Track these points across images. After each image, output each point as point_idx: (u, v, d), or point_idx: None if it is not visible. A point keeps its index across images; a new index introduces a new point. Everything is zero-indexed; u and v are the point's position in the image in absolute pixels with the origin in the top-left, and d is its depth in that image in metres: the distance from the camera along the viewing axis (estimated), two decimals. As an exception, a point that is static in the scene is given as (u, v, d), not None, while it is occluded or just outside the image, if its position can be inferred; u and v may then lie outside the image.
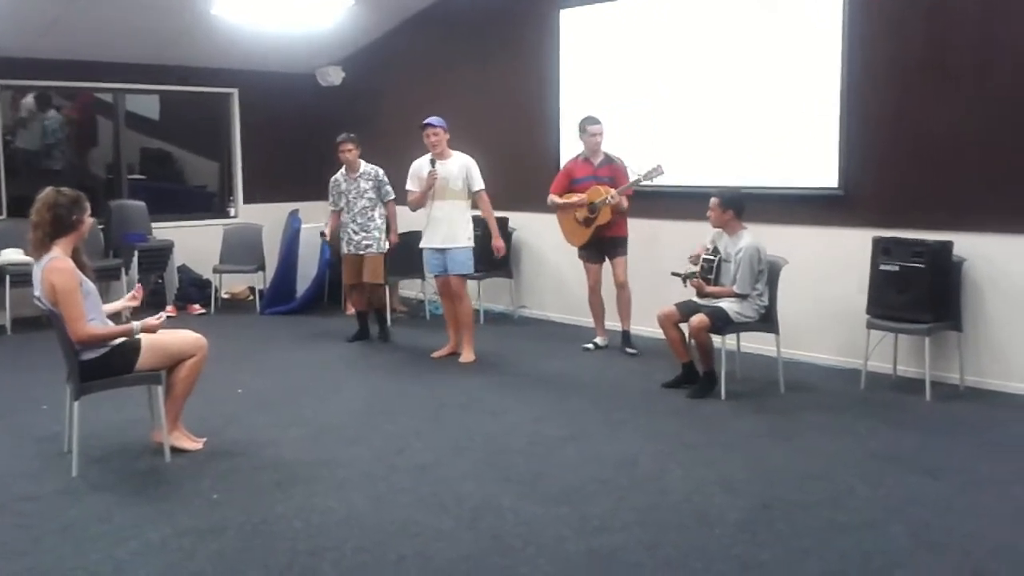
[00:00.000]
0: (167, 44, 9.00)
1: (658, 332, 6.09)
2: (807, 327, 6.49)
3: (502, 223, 8.39)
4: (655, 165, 6.63)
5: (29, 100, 9.63)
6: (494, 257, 7.03)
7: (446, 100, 8.59)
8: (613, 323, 7.18)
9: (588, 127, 6.92)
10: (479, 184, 6.74)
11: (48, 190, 4.46)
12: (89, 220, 4.53)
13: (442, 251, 6.76)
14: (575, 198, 6.91)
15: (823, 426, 5.17)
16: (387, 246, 7.42)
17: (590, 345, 7.16)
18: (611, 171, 6.88)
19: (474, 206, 6.88)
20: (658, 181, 6.73)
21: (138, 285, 5.14)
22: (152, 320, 4.55)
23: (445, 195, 6.72)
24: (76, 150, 10.26)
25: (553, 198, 7.05)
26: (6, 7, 7.59)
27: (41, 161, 9.83)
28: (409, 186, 6.86)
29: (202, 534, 3.76)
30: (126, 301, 4.88)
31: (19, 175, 9.14)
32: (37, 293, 4.41)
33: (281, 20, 8.63)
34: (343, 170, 7.41)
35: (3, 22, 7.85)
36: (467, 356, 6.79)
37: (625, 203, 6.80)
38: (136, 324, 4.52)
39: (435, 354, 6.99)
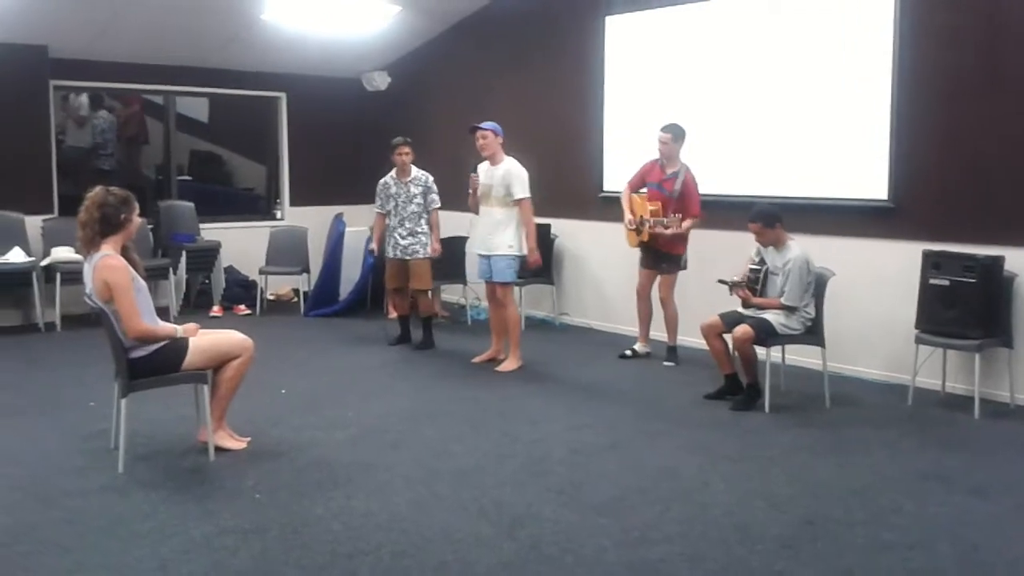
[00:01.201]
0: (218, 48, 9.14)
1: (701, 342, 6.05)
2: (854, 341, 6.40)
3: (544, 229, 8.41)
4: (676, 216, 6.56)
5: (82, 100, 9.83)
6: (529, 266, 6.88)
7: (490, 106, 8.62)
8: (661, 333, 7.14)
9: (658, 133, 6.83)
10: (519, 193, 6.59)
11: (98, 189, 4.53)
12: (137, 220, 4.58)
13: (487, 257, 6.77)
14: (632, 208, 6.85)
15: (869, 442, 5.09)
16: (431, 253, 7.39)
17: (628, 352, 7.12)
18: (674, 187, 6.70)
19: None
20: (703, 191, 6.68)
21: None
22: (192, 325, 4.67)
23: (489, 201, 6.72)
24: (125, 151, 10.45)
25: (624, 190, 6.97)
26: (61, 10, 7.76)
27: (91, 161, 10.03)
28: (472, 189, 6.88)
29: (245, 533, 3.79)
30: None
31: (70, 174, 9.32)
32: (88, 291, 4.48)
33: (329, 25, 8.75)
34: (393, 173, 7.43)
35: (58, 25, 8.02)
36: (510, 364, 6.76)
37: (667, 231, 6.64)
38: (179, 328, 4.61)
39: (476, 359, 7.00)
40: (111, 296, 4.37)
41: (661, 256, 6.85)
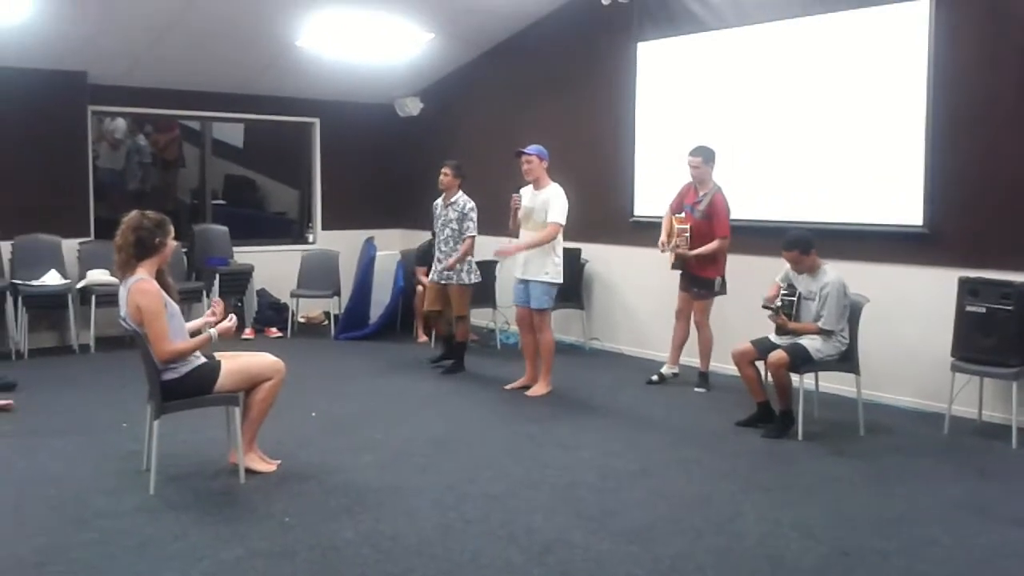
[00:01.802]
0: (253, 75, 9.26)
1: (732, 368, 6.00)
2: (889, 368, 6.32)
3: (574, 254, 8.40)
4: (684, 237, 6.59)
5: (118, 123, 9.98)
6: (539, 281, 6.67)
7: (522, 132, 8.64)
8: (692, 359, 7.10)
9: (688, 157, 6.81)
10: (553, 216, 6.57)
11: (134, 213, 4.58)
12: (172, 243, 4.63)
13: (525, 282, 6.74)
14: (669, 229, 6.79)
15: (904, 471, 5.01)
16: (472, 279, 7.33)
17: (654, 377, 7.07)
18: (707, 209, 6.67)
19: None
20: (736, 216, 6.65)
21: (216, 300, 5.12)
22: (225, 323, 4.66)
23: (529, 225, 6.71)
24: (161, 175, 10.59)
25: (665, 215, 6.93)
26: (100, 38, 7.91)
27: (127, 185, 10.17)
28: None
29: (274, 557, 3.79)
30: (206, 317, 4.89)
31: (106, 198, 9.45)
32: (123, 313, 4.52)
33: (362, 52, 8.83)
34: (443, 195, 7.47)
35: (97, 52, 8.18)
36: (540, 388, 6.74)
37: (680, 251, 6.64)
38: (212, 330, 4.62)
39: (509, 386, 6.96)
40: (143, 320, 4.41)
41: (692, 280, 6.82)
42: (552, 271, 6.62)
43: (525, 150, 6.74)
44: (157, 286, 4.48)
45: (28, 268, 8.13)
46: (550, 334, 6.83)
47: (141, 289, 4.42)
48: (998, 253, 5.88)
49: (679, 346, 7.09)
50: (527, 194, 6.76)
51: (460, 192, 7.38)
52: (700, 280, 6.78)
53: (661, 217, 6.98)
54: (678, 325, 7.03)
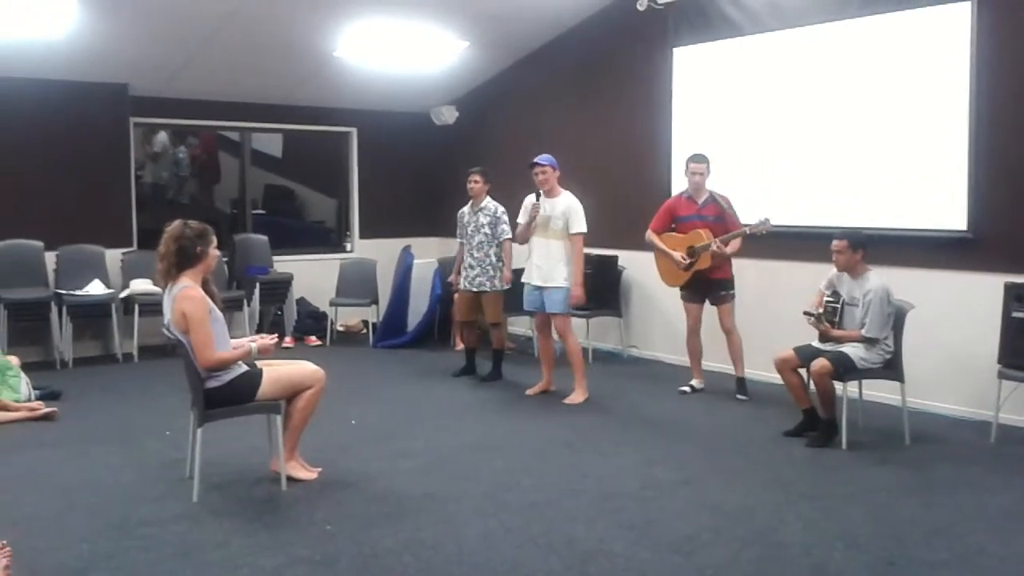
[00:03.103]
0: (291, 85, 9.35)
1: (772, 376, 5.93)
2: (934, 375, 6.21)
3: (611, 261, 8.38)
4: (764, 218, 6.48)
5: (162, 136, 10.11)
6: (572, 304, 6.78)
7: (557, 138, 8.64)
8: (713, 365, 7.05)
9: (690, 164, 6.81)
10: (577, 227, 6.65)
11: (176, 222, 4.62)
12: (214, 252, 4.66)
13: (540, 288, 6.77)
14: (674, 244, 6.79)
15: (951, 480, 4.92)
16: (503, 285, 7.37)
17: (686, 388, 7.00)
18: (715, 211, 6.72)
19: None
20: (777, 222, 6.58)
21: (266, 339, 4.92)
22: (267, 340, 4.73)
23: (547, 233, 6.74)
24: (200, 186, 10.72)
25: (651, 237, 6.92)
26: (141, 51, 8.04)
27: (168, 195, 10.30)
28: (519, 219, 6.94)
29: (315, 565, 3.80)
30: (250, 340, 4.83)
31: (148, 208, 9.58)
32: (167, 321, 4.57)
33: (398, 61, 8.88)
34: (470, 203, 7.50)
35: (138, 64, 8.31)
36: (577, 396, 6.73)
37: (729, 250, 6.62)
38: (253, 344, 4.67)
39: (530, 391, 6.98)
40: (188, 327, 4.45)
41: (713, 284, 6.76)
42: (569, 275, 6.68)
43: (538, 161, 6.75)
44: (202, 293, 4.52)
45: (72, 278, 8.27)
46: (574, 339, 6.84)
47: (187, 296, 4.46)
48: (1045, 258, 5.77)
49: (699, 358, 7.05)
50: (542, 202, 6.77)
51: (488, 198, 7.40)
52: (721, 282, 6.74)
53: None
54: (694, 340, 6.98)
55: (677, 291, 7.22)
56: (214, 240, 4.67)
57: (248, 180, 10.18)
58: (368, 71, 9.02)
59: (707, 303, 6.88)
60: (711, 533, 4.16)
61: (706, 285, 6.79)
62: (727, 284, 6.77)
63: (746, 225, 6.58)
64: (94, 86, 8.51)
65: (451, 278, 7.84)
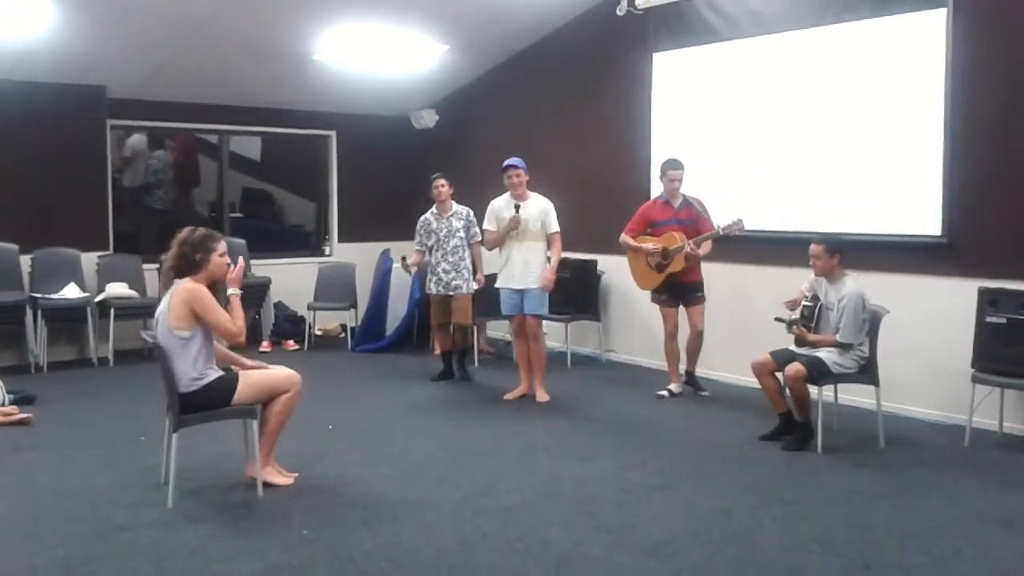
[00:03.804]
0: (270, 88, 9.31)
1: (747, 380, 5.96)
2: (908, 379, 6.26)
3: (590, 265, 8.40)
4: (736, 219, 6.53)
5: (136, 139, 10.03)
6: (543, 289, 6.78)
7: (537, 142, 8.66)
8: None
9: (668, 171, 6.86)
10: (556, 227, 6.80)
11: (184, 229, 4.65)
12: (218, 260, 4.62)
13: (519, 292, 6.80)
14: (650, 242, 6.84)
15: (926, 484, 4.96)
16: (475, 286, 7.46)
17: (664, 392, 7.03)
18: (690, 214, 6.79)
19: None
20: (754, 226, 6.62)
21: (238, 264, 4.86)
22: (234, 272, 4.69)
23: (524, 237, 6.78)
24: (177, 189, 10.64)
25: (626, 238, 6.97)
26: (119, 53, 7.98)
27: (145, 199, 10.22)
28: (487, 225, 6.98)
29: (292, 570, 3.79)
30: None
31: (125, 212, 9.51)
32: (160, 322, 4.54)
33: (378, 65, 8.87)
34: (433, 209, 7.51)
35: (116, 66, 8.25)
36: (541, 396, 6.82)
37: (701, 251, 6.68)
38: (231, 291, 4.64)
39: (508, 396, 6.99)
40: (191, 322, 4.45)
41: (687, 287, 6.81)
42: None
43: (513, 163, 6.78)
44: (201, 285, 4.52)
45: (47, 282, 8.18)
46: (543, 342, 6.93)
47: (185, 288, 4.47)
48: (1018, 263, 5.83)
49: (677, 363, 7.08)
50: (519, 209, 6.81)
51: (452, 201, 7.44)
52: (693, 285, 6.81)
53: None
54: (672, 344, 7.01)
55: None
56: (218, 247, 4.63)
57: (226, 183, 10.13)
58: (347, 74, 9.00)
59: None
60: (687, 536, 4.18)
61: (680, 288, 6.83)
62: (698, 286, 6.83)
63: (719, 226, 6.62)
64: (71, 88, 8.44)
65: (413, 259, 7.69)
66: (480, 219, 7.37)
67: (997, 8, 6.02)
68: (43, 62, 7.84)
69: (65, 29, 7.27)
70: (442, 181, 7.45)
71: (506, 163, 6.86)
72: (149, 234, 9.67)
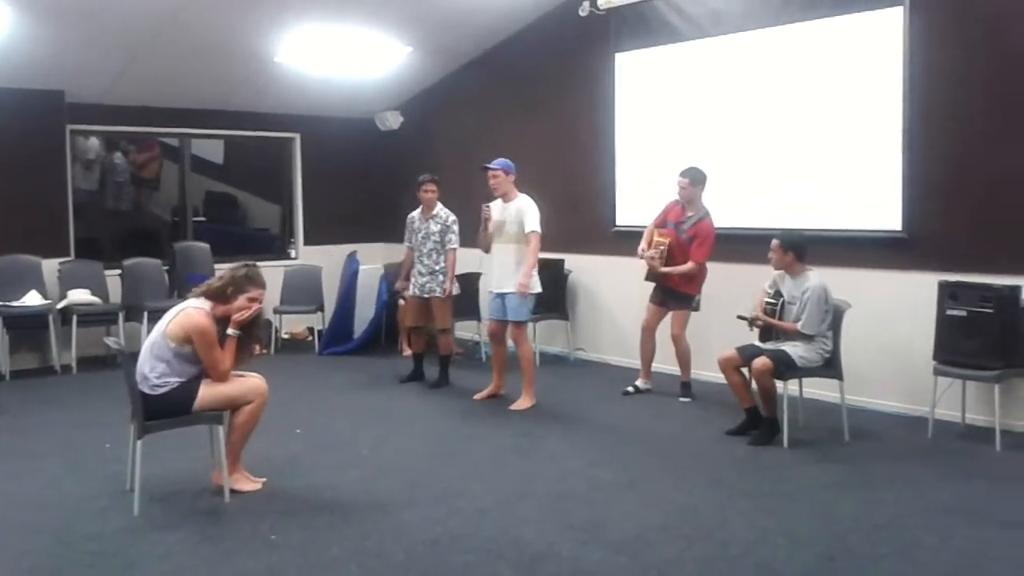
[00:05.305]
0: (232, 91, 9.24)
1: (716, 377, 6.01)
2: (871, 373, 6.35)
3: (557, 265, 8.41)
4: (654, 254, 6.66)
5: (94, 143, 9.90)
6: (516, 293, 6.61)
7: (502, 143, 8.65)
8: (661, 367, 7.15)
9: (677, 178, 6.82)
10: (531, 226, 6.58)
11: (241, 264, 4.79)
12: (243, 302, 4.65)
13: (501, 295, 6.75)
14: (653, 236, 6.84)
15: (890, 476, 5.03)
16: (453, 291, 7.39)
17: (630, 388, 7.06)
18: (692, 232, 6.69)
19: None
20: (718, 224, 6.68)
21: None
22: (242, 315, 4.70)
23: (503, 238, 6.72)
24: (139, 193, 10.52)
25: (649, 227, 6.95)
26: (78, 56, 7.88)
27: (106, 203, 10.10)
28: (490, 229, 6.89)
29: (261, 576, 3.77)
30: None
31: (84, 217, 9.39)
32: (160, 321, 4.60)
33: (341, 67, 8.84)
34: (420, 209, 7.47)
35: (75, 70, 8.15)
36: (524, 402, 6.71)
37: (660, 268, 6.67)
38: (231, 331, 4.66)
39: (478, 396, 6.98)
40: (185, 345, 4.51)
41: (668, 293, 6.82)
42: (529, 282, 6.60)
43: (490, 165, 6.74)
44: (211, 322, 4.56)
45: (8, 289, 8.07)
46: (528, 346, 6.85)
47: (195, 321, 4.52)
48: (977, 256, 5.93)
49: (649, 361, 7.10)
50: (497, 208, 6.76)
51: (439, 205, 7.39)
52: (678, 295, 6.79)
53: (643, 227, 7.01)
54: (646, 339, 7.02)
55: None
56: (251, 292, 4.68)
57: (188, 187, 10.03)
58: (311, 77, 8.96)
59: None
60: (657, 532, 4.21)
61: (665, 292, 6.85)
62: (684, 298, 6.76)
63: (642, 251, 6.73)
64: (29, 93, 8.30)
65: (398, 284, 7.80)
66: (467, 224, 7.28)
67: (953, 6, 6.12)
68: (0, 67, 7.72)
69: (22, 33, 7.17)
70: (430, 186, 7.36)
71: (484, 166, 6.78)
72: (109, 239, 9.58)
